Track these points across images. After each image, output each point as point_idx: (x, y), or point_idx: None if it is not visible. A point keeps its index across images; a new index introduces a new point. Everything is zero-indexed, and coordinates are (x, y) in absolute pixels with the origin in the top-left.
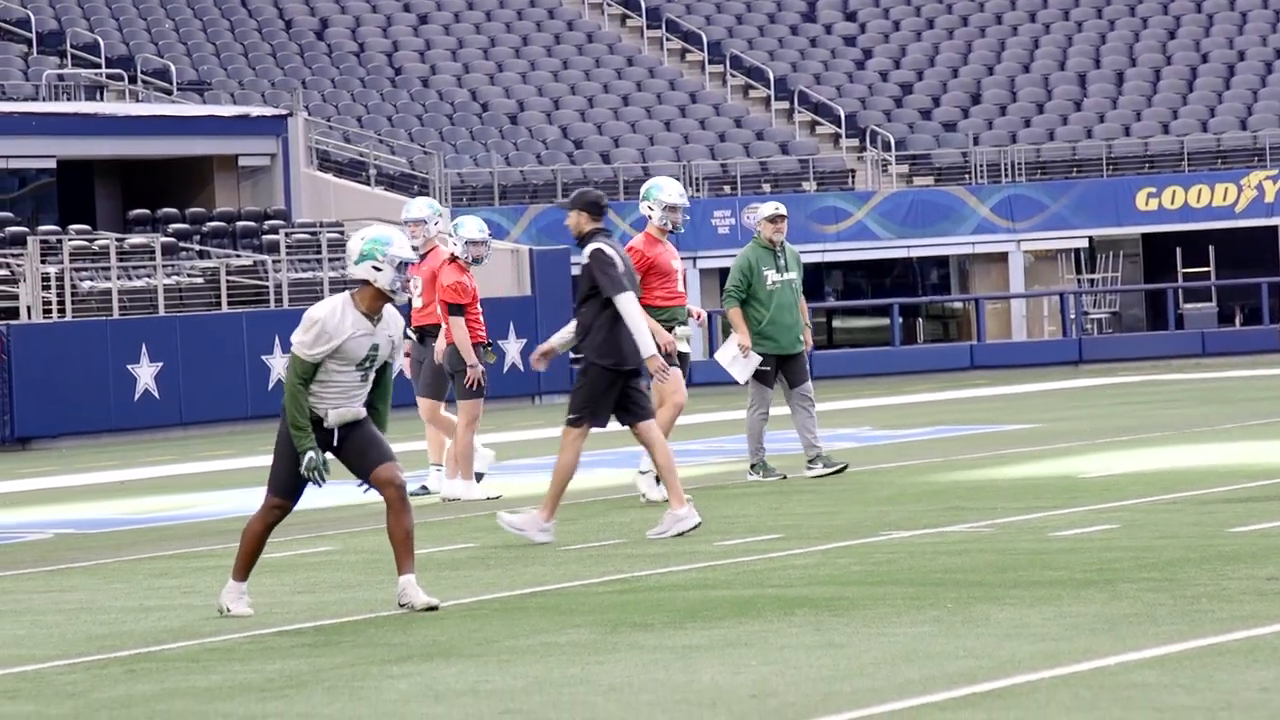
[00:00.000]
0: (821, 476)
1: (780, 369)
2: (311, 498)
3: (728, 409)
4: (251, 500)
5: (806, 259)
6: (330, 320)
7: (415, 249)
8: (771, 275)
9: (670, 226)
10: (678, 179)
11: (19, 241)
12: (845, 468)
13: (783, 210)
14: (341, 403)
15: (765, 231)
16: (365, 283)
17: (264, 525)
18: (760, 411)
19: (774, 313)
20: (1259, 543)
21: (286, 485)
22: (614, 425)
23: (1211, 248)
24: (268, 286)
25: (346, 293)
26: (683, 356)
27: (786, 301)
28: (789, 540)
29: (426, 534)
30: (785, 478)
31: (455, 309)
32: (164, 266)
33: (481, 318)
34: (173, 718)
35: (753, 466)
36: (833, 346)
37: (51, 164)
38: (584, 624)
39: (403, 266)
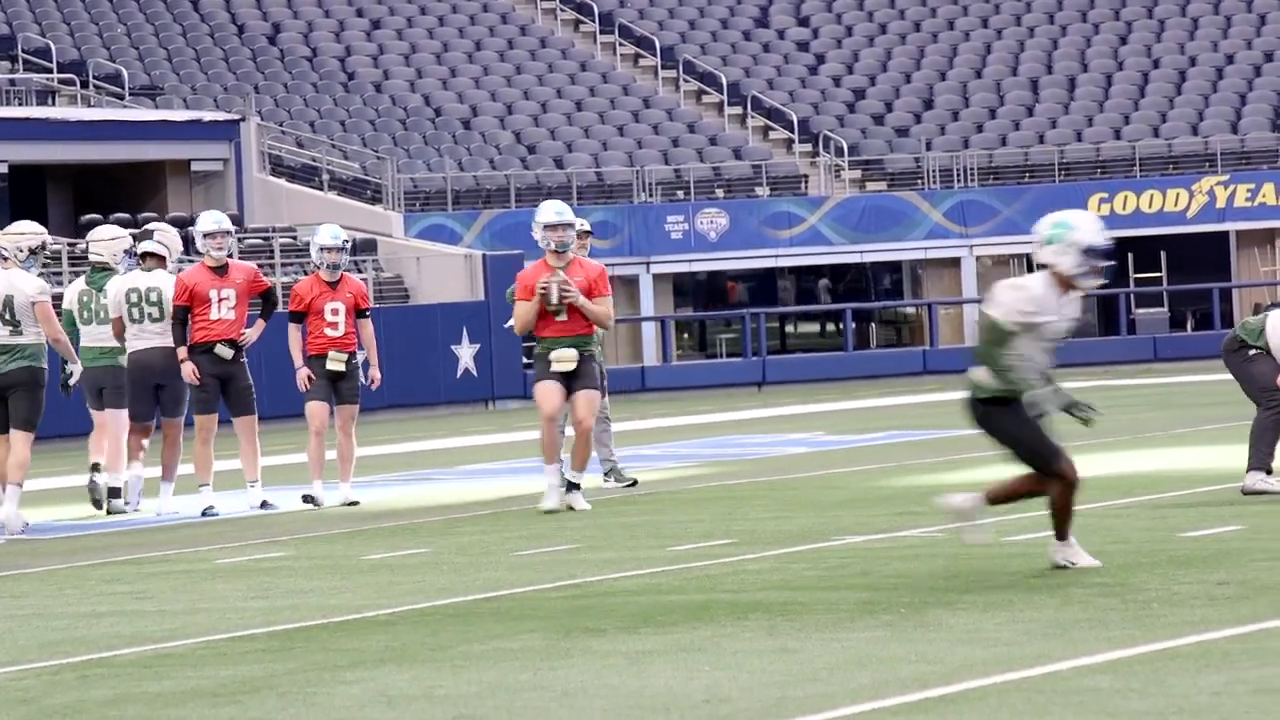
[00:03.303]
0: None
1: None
2: (283, 503)
3: (683, 414)
4: (192, 504)
5: (760, 264)
6: (1042, 296)
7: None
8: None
9: (554, 245)
10: (629, 185)
11: None
12: (635, 482)
13: (586, 226)
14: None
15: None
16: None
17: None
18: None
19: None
20: (1210, 547)
21: (1052, 446)
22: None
23: (1163, 253)
24: None
25: (1047, 271)
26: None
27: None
28: (742, 545)
29: (378, 540)
30: (635, 483)
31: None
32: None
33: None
34: None
35: (606, 474)
36: (786, 351)
37: (3, 169)
38: (537, 629)
39: (1090, 252)
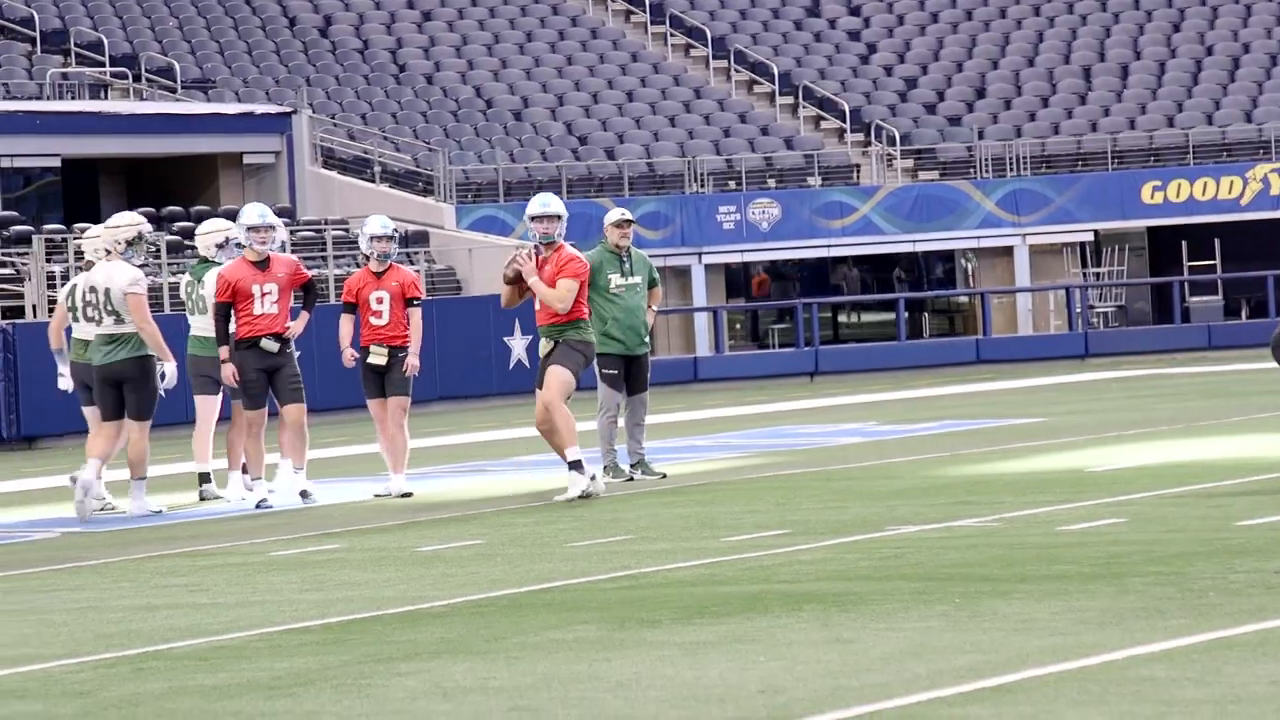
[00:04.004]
0: (630, 480)
1: (626, 372)
2: (324, 495)
3: (736, 404)
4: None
5: (812, 254)
6: None
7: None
8: (616, 279)
9: (538, 237)
10: (680, 175)
11: (24, 240)
12: (664, 476)
13: (629, 216)
14: None
15: (612, 236)
16: None
17: None
18: (609, 415)
19: (620, 315)
20: (1267, 536)
21: None
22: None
23: (1217, 241)
24: None
25: None
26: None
27: (631, 305)
28: (796, 536)
29: (431, 531)
30: (632, 479)
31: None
32: (169, 265)
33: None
34: (181, 716)
35: (604, 468)
36: (839, 341)
37: (56, 163)
38: (591, 621)
39: None
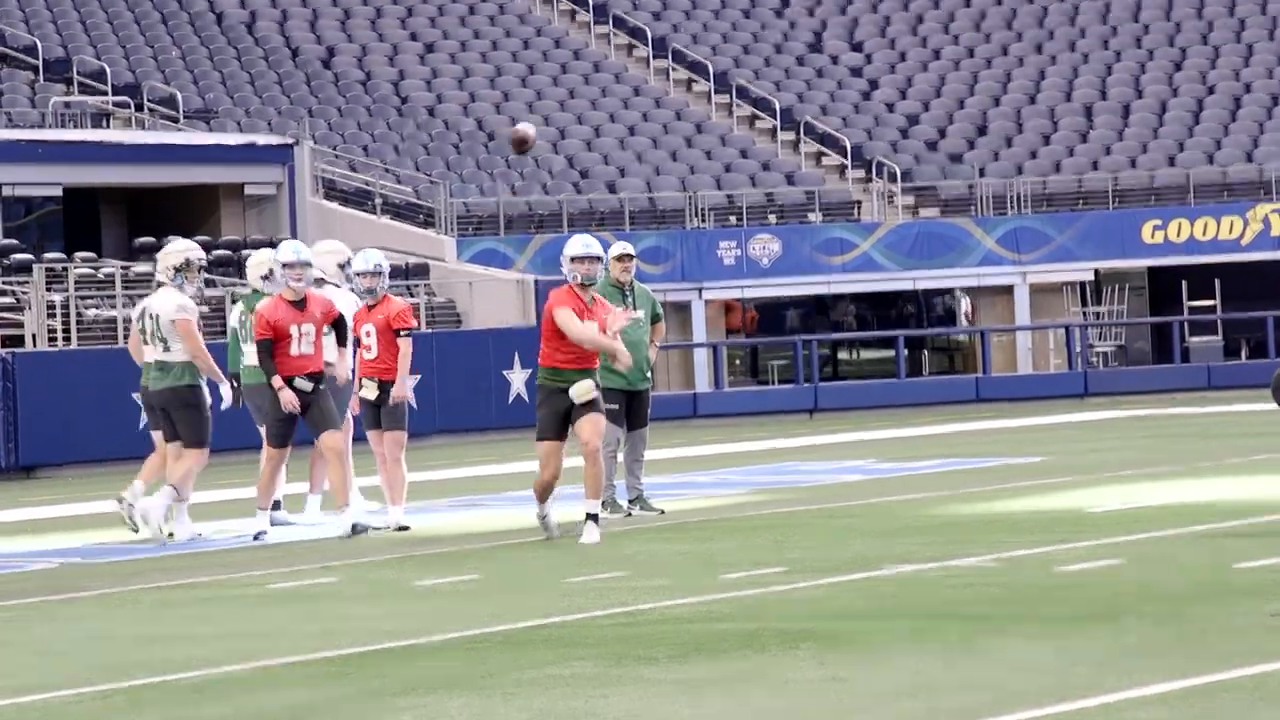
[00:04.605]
0: (628, 516)
1: (627, 407)
2: (325, 528)
3: (735, 441)
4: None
5: (811, 290)
6: None
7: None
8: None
9: (580, 279)
10: (681, 210)
11: (24, 269)
12: (663, 512)
13: (630, 250)
14: None
15: (614, 271)
16: None
17: None
18: (609, 450)
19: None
20: (1266, 578)
21: None
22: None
23: (1217, 281)
24: None
25: None
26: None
27: (633, 339)
28: (793, 573)
29: (429, 566)
30: (630, 515)
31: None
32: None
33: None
34: None
35: (603, 504)
36: (838, 378)
37: (58, 191)
38: (588, 657)
39: None
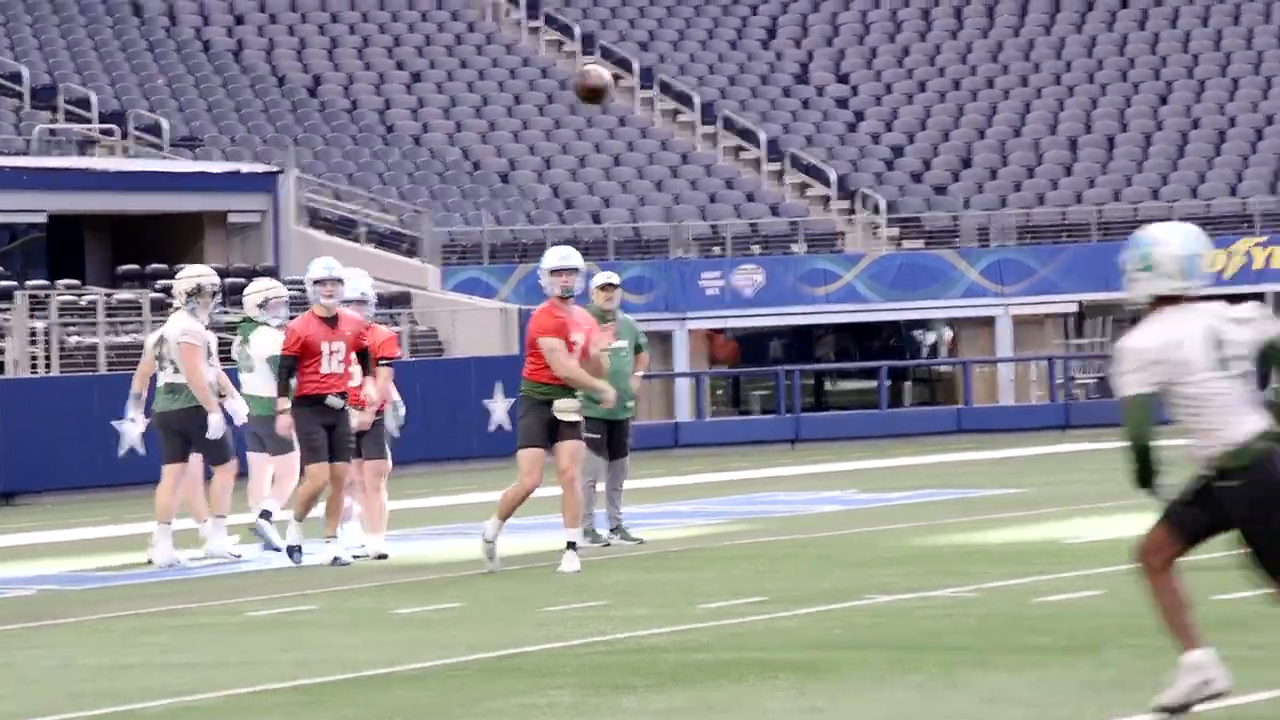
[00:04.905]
0: (607, 546)
1: (608, 437)
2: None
3: (716, 471)
4: (238, 552)
5: (796, 321)
6: None
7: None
8: (605, 341)
9: (559, 290)
10: (666, 240)
11: (7, 296)
12: (642, 541)
13: (615, 280)
14: None
15: (597, 300)
16: None
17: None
18: (589, 479)
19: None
20: (1244, 610)
21: None
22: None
23: None
24: None
25: None
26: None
27: (616, 369)
28: (773, 603)
29: (408, 594)
30: (609, 544)
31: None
32: (152, 322)
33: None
34: None
35: (584, 533)
36: (821, 409)
37: (42, 218)
38: (565, 686)
39: None
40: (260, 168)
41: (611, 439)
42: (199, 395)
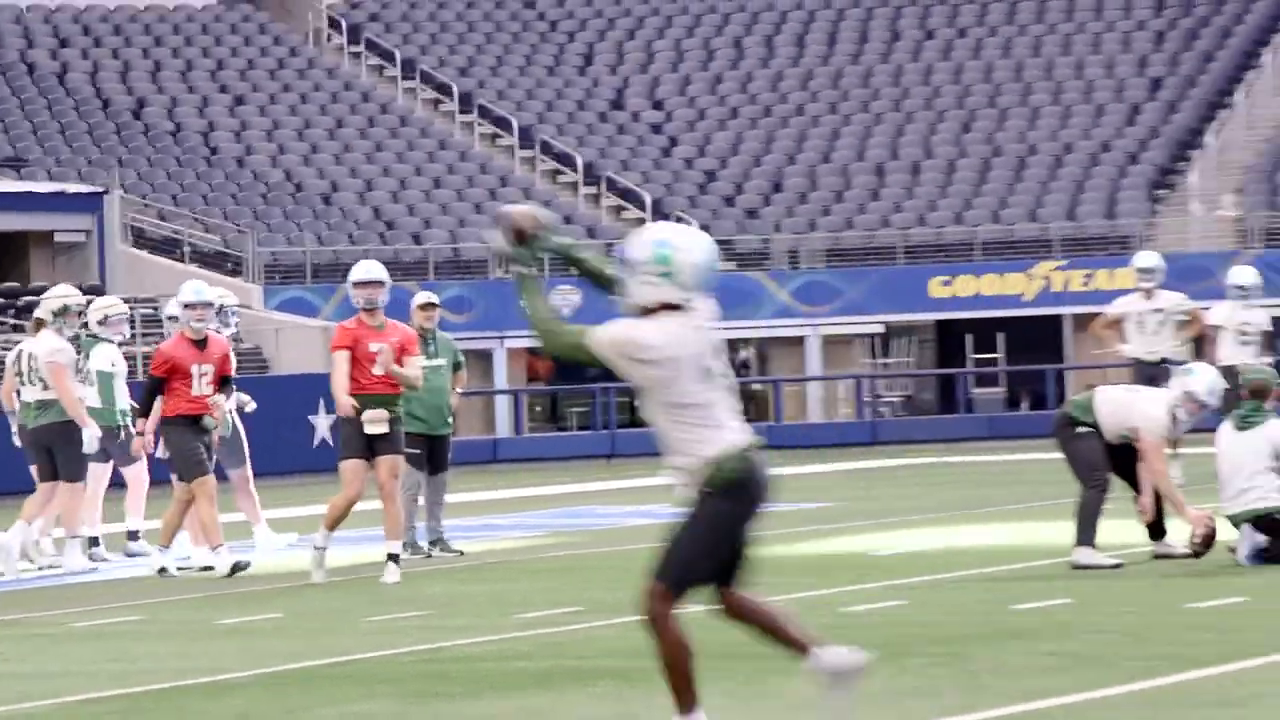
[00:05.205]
0: (428, 558)
1: (428, 451)
2: (121, 568)
3: (535, 485)
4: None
5: None
6: None
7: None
8: (420, 360)
9: (363, 303)
10: (485, 261)
11: None
12: (461, 554)
13: (434, 299)
14: None
15: (417, 319)
16: None
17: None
18: (410, 493)
19: (424, 396)
20: (1040, 619)
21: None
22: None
23: (1002, 335)
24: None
25: None
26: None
27: (435, 385)
28: (589, 613)
29: (232, 605)
30: (430, 556)
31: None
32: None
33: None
34: None
35: (404, 545)
36: (635, 425)
37: None
38: (387, 694)
39: None
40: (85, 188)
41: (432, 454)
42: (71, 411)
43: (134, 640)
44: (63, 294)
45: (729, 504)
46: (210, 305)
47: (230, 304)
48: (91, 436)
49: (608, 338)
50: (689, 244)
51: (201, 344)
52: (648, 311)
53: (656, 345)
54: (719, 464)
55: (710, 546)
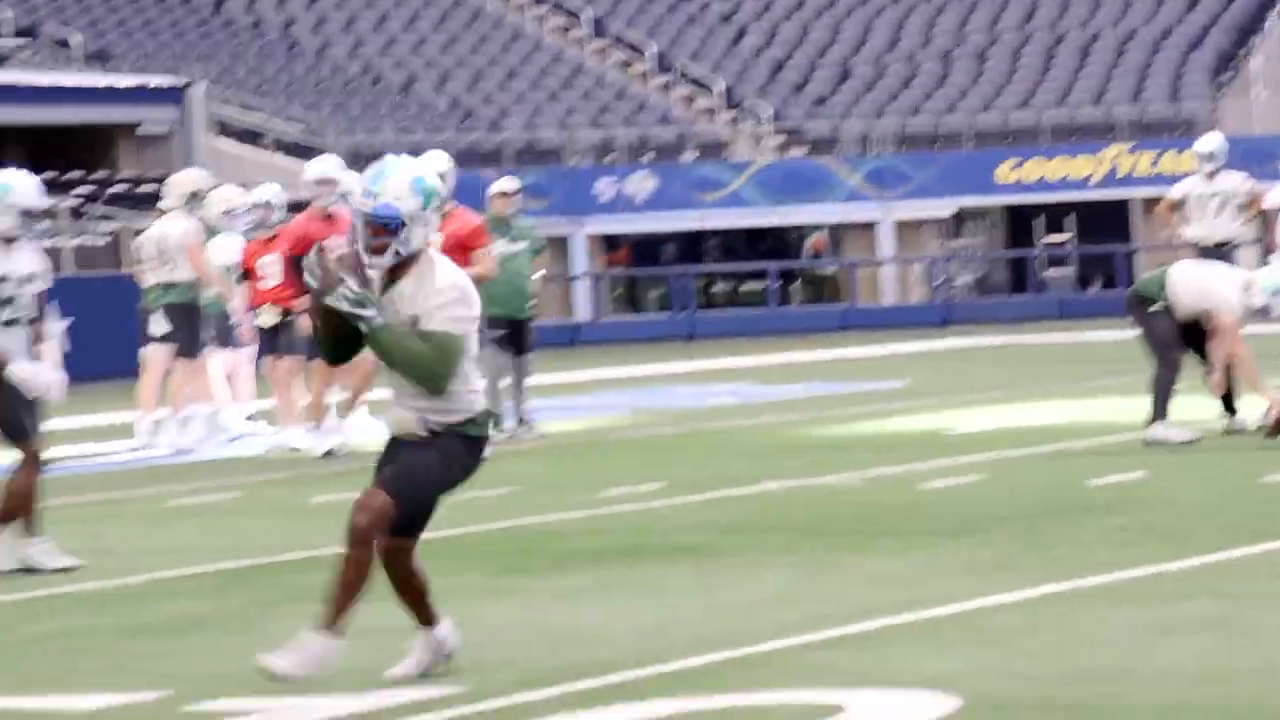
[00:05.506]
0: (512, 438)
1: (511, 334)
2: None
3: (614, 366)
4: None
5: (686, 225)
6: None
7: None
8: (501, 246)
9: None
10: (560, 149)
11: None
12: (545, 435)
13: (509, 187)
14: None
15: (495, 206)
16: None
17: None
18: (493, 375)
19: (506, 279)
20: (1114, 494)
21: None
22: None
23: (1073, 217)
24: None
25: None
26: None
27: (515, 270)
28: (670, 490)
29: (321, 485)
30: (514, 436)
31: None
32: (70, 229)
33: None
34: (77, 653)
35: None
36: (712, 307)
37: None
38: (474, 568)
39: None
40: (168, 81)
41: (515, 336)
42: (216, 283)
43: (230, 517)
44: (193, 179)
45: (472, 458)
46: (336, 181)
47: (271, 195)
48: (238, 308)
49: (468, 314)
50: (430, 167)
51: (330, 219)
52: (414, 256)
53: (475, 296)
54: (477, 416)
55: (444, 489)
